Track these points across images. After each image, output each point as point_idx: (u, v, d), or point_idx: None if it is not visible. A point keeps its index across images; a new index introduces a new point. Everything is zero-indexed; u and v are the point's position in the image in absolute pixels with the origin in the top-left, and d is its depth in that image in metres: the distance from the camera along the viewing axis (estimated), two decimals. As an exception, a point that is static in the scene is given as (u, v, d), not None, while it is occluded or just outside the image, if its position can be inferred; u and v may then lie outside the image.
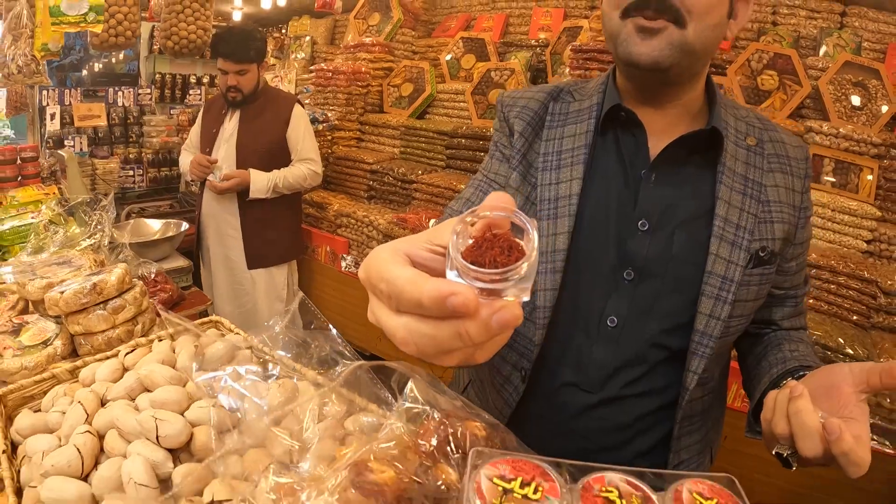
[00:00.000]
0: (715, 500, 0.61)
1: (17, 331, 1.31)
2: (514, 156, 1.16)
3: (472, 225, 0.48)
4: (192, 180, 3.50)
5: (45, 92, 5.76)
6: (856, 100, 3.12)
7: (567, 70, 3.44)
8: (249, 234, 3.22)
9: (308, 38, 5.80)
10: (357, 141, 4.50)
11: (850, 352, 2.39)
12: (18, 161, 3.22)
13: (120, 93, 6.46)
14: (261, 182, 3.12)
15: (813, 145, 3.01)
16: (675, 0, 0.92)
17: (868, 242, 2.85)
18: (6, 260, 2.31)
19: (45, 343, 1.28)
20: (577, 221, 1.06)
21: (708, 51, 0.99)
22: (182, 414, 0.92)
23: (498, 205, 0.48)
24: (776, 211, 1.05)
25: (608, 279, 1.06)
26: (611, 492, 0.62)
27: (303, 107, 3.34)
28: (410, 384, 0.75)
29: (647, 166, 1.05)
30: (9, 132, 10.08)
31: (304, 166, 3.23)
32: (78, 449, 0.87)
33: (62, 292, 1.30)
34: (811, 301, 2.67)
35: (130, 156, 6.28)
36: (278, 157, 3.22)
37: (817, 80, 3.19)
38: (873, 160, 2.90)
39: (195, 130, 3.42)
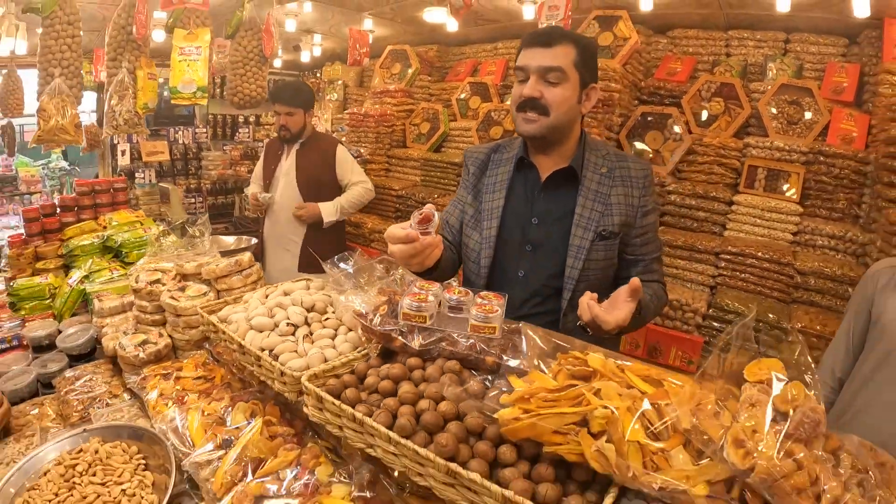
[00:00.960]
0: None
1: (182, 289, 2.24)
2: (469, 186, 2.05)
3: (420, 213, 1.33)
4: (253, 213, 4.36)
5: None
6: (791, 116, 3.75)
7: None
8: (305, 246, 4.03)
9: (340, 81, 6.69)
10: (385, 171, 5.34)
11: (769, 318, 3.09)
12: (111, 191, 4.13)
13: (180, 132, 7.55)
14: (329, 211, 3.96)
15: (749, 157, 3.67)
16: (541, 102, 1.76)
17: (794, 234, 3.48)
18: (124, 260, 3.31)
19: (204, 294, 2.19)
20: (501, 220, 1.92)
21: (568, 124, 1.83)
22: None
23: (428, 208, 1.34)
24: (616, 209, 1.84)
25: (518, 250, 1.91)
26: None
27: (343, 145, 4.19)
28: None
29: (539, 188, 1.89)
30: (63, 164, 11.14)
31: (358, 187, 4.05)
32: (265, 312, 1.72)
33: (217, 265, 2.23)
34: (739, 283, 3.36)
35: (191, 186, 7.37)
36: (328, 186, 4.03)
37: (758, 102, 3.82)
38: (801, 166, 3.52)
39: (258, 168, 4.30)
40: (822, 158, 3.49)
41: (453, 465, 0.93)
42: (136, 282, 2.32)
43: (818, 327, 2.99)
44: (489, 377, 1.12)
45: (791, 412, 0.89)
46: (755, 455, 0.84)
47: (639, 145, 3.99)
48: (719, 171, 3.73)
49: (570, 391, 0.94)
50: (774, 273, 3.30)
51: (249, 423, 1.54)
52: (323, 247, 3.99)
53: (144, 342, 2.12)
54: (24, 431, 1.91)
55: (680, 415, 0.93)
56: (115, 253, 3.39)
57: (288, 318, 1.62)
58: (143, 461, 1.58)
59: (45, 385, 2.25)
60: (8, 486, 1.51)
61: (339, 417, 1.15)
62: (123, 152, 6.36)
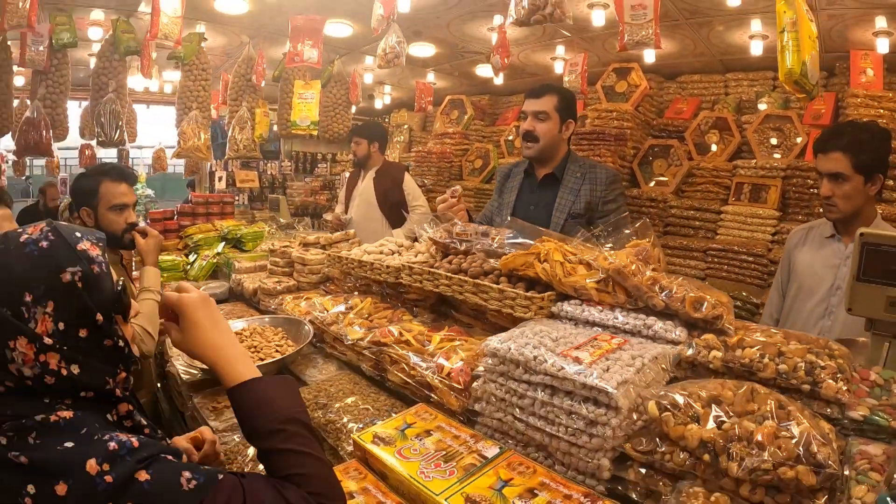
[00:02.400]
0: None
1: (307, 250, 3.30)
2: (497, 188, 3.17)
3: (452, 189, 2.51)
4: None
5: (214, 161, 8.14)
6: (774, 141, 4.63)
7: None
8: None
9: (406, 125, 7.83)
10: None
11: (744, 296, 3.97)
12: (222, 203, 5.23)
13: (268, 164, 8.88)
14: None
15: (737, 176, 4.57)
16: (535, 133, 2.88)
17: (773, 235, 4.33)
18: (243, 249, 4.35)
19: (323, 253, 3.25)
20: (513, 208, 2.99)
21: (553, 147, 2.93)
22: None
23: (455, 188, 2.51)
24: (583, 198, 2.88)
25: None
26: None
27: (409, 172, 5.24)
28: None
29: (535, 187, 2.98)
30: (149, 192, 12.29)
31: (416, 213, 4.95)
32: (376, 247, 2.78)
33: (332, 234, 3.43)
34: (724, 274, 4.24)
35: None
36: (400, 203, 4.94)
37: (746, 131, 4.73)
38: (779, 180, 4.36)
39: (342, 192, 5.35)
40: (798, 172, 4.24)
41: (478, 280, 1.96)
42: (273, 245, 3.46)
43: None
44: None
45: (634, 251, 1.89)
46: (615, 262, 1.78)
47: (646, 173, 4.93)
48: (714, 189, 4.62)
49: (531, 248, 1.96)
50: (752, 264, 4.15)
51: (361, 300, 2.54)
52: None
53: (279, 281, 3.18)
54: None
55: (583, 254, 1.92)
56: (233, 244, 4.46)
57: (387, 247, 2.71)
58: (286, 336, 2.41)
59: None
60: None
61: (420, 276, 2.21)
62: (220, 178, 7.61)
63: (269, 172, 8.92)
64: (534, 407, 1.44)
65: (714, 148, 4.86)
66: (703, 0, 3.99)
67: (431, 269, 2.16)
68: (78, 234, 1.03)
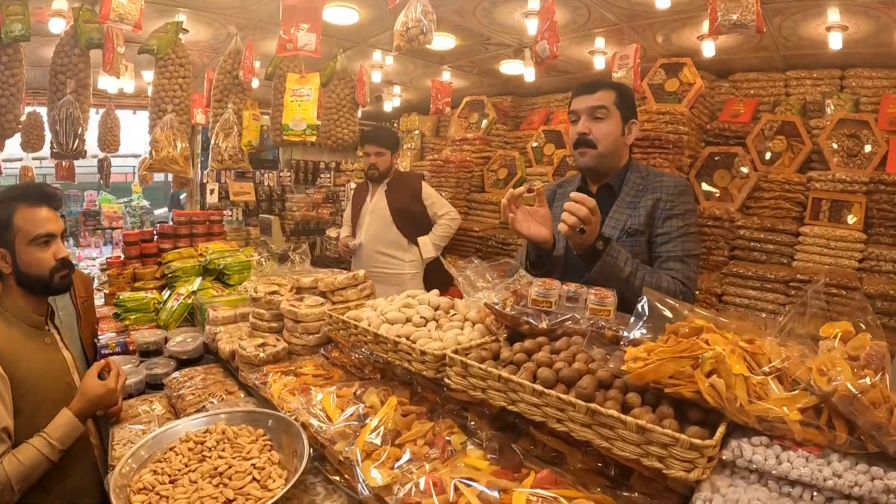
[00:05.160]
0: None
1: (300, 299, 2.55)
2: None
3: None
4: (341, 255, 4.76)
5: (205, 172, 7.43)
6: (850, 149, 3.95)
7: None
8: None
9: (417, 131, 7.08)
10: (465, 214, 5.53)
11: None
12: (208, 222, 4.55)
13: (265, 175, 8.16)
14: (428, 249, 4.36)
15: (813, 190, 3.89)
16: (590, 137, 2.16)
17: (860, 261, 3.64)
18: (226, 282, 3.66)
19: (321, 305, 2.46)
20: (567, 240, 2.17)
21: (615, 154, 2.24)
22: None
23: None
24: (643, 211, 2.18)
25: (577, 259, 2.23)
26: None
27: (426, 181, 4.57)
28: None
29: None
30: (144, 202, 11.79)
31: (444, 219, 4.41)
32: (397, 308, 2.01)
33: (335, 278, 2.58)
34: (810, 310, 3.54)
35: None
36: (417, 216, 4.38)
37: (818, 138, 4.05)
38: (863, 196, 3.72)
39: (347, 212, 4.70)
40: (882, 187, 3.64)
41: (593, 405, 1.19)
42: (255, 292, 2.66)
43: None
44: (609, 349, 1.39)
45: (861, 356, 1.18)
46: (836, 380, 1.09)
47: (705, 185, 4.25)
48: (785, 205, 3.95)
49: (682, 342, 1.22)
50: (843, 298, 3.48)
51: (383, 401, 1.74)
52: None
53: (263, 344, 2.39)
54: (141, 418, 2.16)
55: (772, 355, 1.22)
56: (216, 276, 3.76)
57: (419, 313, 1.93)
58: (269, 443, 1.71)
59: (151, 386, 2.53)
60: (141, 449, 1.66)
61: (483, 381, 1.43)
62: (212, 191, 6.93)
63: (266, 184, 8.16)
64: None
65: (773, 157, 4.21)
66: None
67: (504, 375, 1.39)
68: None
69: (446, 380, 1.55)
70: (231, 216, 7.42)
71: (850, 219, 3.72)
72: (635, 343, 1.30)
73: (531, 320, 1.50)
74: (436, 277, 4.47)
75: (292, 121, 4.13)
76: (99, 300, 3.83)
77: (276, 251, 4.03)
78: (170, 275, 3.83)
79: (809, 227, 3.78)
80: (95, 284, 4.18)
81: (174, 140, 4.02)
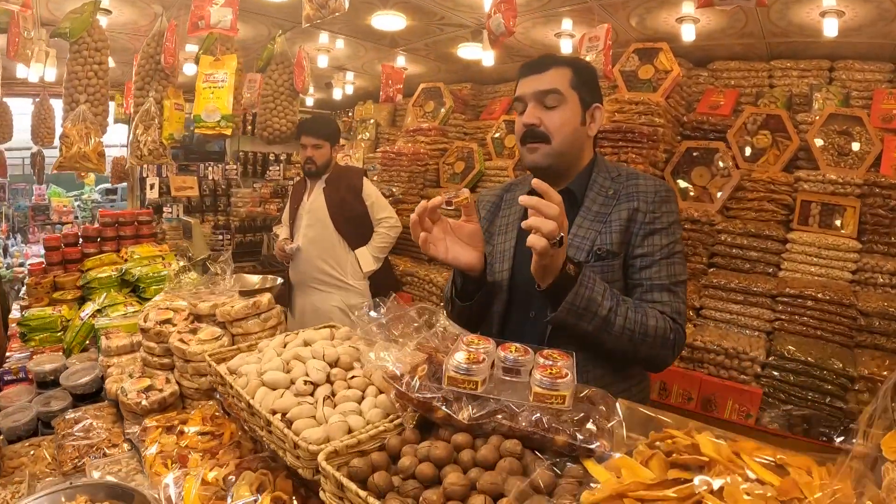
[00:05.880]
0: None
1: (194, 331, 2.04)
2: (483, 227, 1.83)
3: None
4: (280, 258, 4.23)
5: (145, 165, 6.84)
6: (841, 147, 3.56)
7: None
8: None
9: (372, 120, 6.60)
10: None
11: (835, 366, 2.85)
12: (136, 223, 4.03)
13: (210, 168, 7.56)
14: (367, 261, 3.88)
15: (801, 192, 3.48)
16: (540, 129, 1.65)
17: (854, 273, 3.26)
18: (142, 295, 3.16)
19: (217, 339, 1.98)
20: (513, 261, 1.77)
21: (574, 149, 1.71)
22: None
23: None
24: (616, 226, 1.66)
25: (530, 290, 1.66)
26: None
27: (367, 177, 4.07)
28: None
29: None
30: (96, 195, 11.25)
31: (382, 227, 3.92)
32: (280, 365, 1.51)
33: (232, 307, 2.05)
34: (799, 327, 3.13)
35: (220, 222, 7.35)
36: (358, 217, 3.89)
37: (807, 134, 3.65)
38: (856, 199, 3.34)
39: (286, 211, 4.18)
40: (877, 190, 3.30)
41: None
42: (145, 321, 2.16)
43: (885, 374, 2.75)
44: (558, 461, 0.94)
45: None
46: None
47: (682, 183, 3.82)
48: (770, 207, 3.54)
49: (680, 489, 0.76)
50: (836, 315, 3.07)
51: (255, 499, 1.32)
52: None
53: (149, 388, 1.94)
54: (14, 476, 1.76)
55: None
56: (132, 287, 3.26)
57: (307, 375, 1.43)
58: None
59: (46, 424, 2.11)
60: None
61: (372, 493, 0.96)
62: (153, 186, 6.33)
63: (210, 178, 7.54)
64: None
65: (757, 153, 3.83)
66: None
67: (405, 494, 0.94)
68: None
69: (321, 495, 1.05)
70: (171, 213, 6.80)
71: (844, 225, 3.33)
72: (599, 458, 0.83)
73: (447, 410, 1.02)
74: (383, 282, 4.03)
75: (204, 111, 3.53)
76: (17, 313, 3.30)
77: (197, 259, 3.49)
78: (85, 286, 3.31)
79: (798, 234, 3.39)
80: (22, 292, 3.66)
81: (87, 134, 3.44)
